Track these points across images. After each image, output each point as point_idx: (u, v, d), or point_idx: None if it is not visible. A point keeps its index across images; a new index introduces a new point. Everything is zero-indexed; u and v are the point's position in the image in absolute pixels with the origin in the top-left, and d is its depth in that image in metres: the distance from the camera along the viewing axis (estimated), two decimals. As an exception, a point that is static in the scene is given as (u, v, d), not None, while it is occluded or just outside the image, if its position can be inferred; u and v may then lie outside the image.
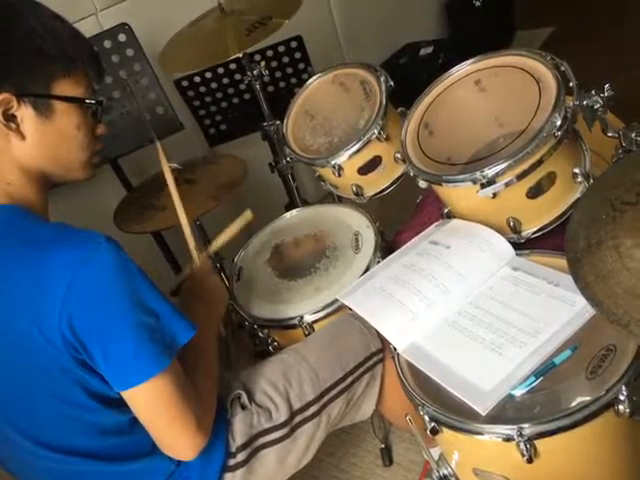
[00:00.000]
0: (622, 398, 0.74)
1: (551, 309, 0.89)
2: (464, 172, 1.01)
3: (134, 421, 0.81)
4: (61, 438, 0.81)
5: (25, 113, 0.77)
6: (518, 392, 0.79)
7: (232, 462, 0.91)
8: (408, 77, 2.20)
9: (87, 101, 0.81)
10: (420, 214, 1.41)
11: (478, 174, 0.97)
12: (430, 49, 2.81)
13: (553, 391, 0.78)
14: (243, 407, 0.95)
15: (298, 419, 0.96)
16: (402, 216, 1.50)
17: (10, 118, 0.76)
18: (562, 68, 1.02)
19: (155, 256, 1.81)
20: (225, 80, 1.90)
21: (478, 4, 3.09)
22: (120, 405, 0.79)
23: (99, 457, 0.83)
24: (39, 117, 0.77)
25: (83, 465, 0.83)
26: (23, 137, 0.78)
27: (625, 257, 0.75)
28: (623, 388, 0.74)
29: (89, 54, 0.82)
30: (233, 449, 0.91)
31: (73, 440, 0.81)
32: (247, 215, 1.14)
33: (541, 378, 0.80)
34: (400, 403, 1.00)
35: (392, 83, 1.25)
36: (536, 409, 0.77)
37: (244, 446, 0.92)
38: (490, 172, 0.96)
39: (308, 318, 1.12)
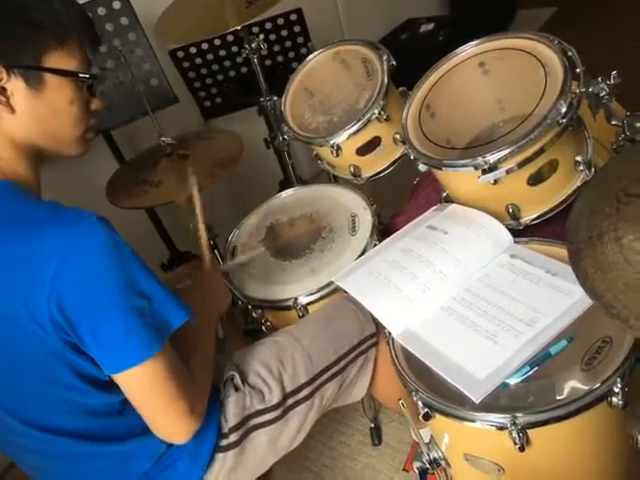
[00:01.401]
0: (616, 390, 0.74)
1: (548, 299, 0.88)
2: (465, 157, 0.99)
3: (125, 402, 0.80)
4: (50, 419, 0.81)
5: (15, 86, 0.74)
6: (512, 381, 0.80)
7: (224, 443, 0.91)
8: (408, 53, 2.15)
9: (81, 75, 0.78)
10: (417, 197, 1.40)
11: (480, 160, 0.95)
12: (431, 26, 2.76)
13: (548, 381, 0.78)
14: (236, 388, 0.95)
15: (291, 401, 0.96)
16: (397, 198, 1.48)
17: (0, 91, 0.73)
18: (569, 53, 1.00)
19: (148, 231, 1.79)
20: (222, 52, 1.86)
21: (481, -19, 3.03)
22: (111, 387, 0.78)
23: (89, 437, 0.82)
24: (30, 90, 0.75)
25: (73, 446, 0.82)
26: (13, 110, 0.75)
27: (627, 250, 0.74)
28: (618, 380, 0.74)
29: (84, 25, 0.79)
30: (225, 430, 0.91)
31: (62, 421, 0.81)
32: (259, 250, 1.23)
33: (536, 368, 0.80)
34: (392, 386, 1.00)
35: (394, 62, 1.22)
36: (530, 399, 0.77)
37: (236, 427, 0.92)
38: (492, 158, 0.95)
39: (302, 300, 1.11)
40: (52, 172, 1.48)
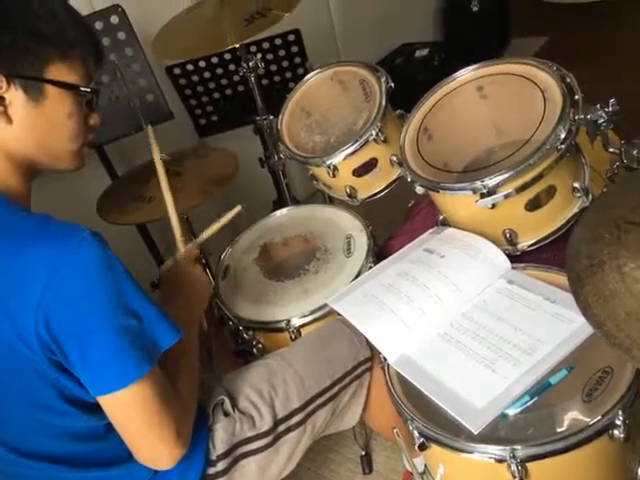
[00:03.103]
0: (618, 423, 0.72)
1: (547, 326, 0.87)
2: (462, 180, 0.98)
3: (110, 426, 0.77)
4: (33, 443, 0.77)
5: (14, 96, 0.72)
6: (511, 411, 0.77)
7: (212, 471, 0.88)
8: (403, 78, 2.18)
9: (82, 88, 0.76)
10: (413, 219, 1.39)
11: (478, 184, 0.95)
12: (426, 51, 2.80)
13: (548, 412, 0.76)
14: (226, 414, 0.91)
15: (282, 428, 0.93)
16: (393, 220, 1.47)
17: None
18: (568, 80, 1.00)
19: (138, 249, 1.77)
20: (219, 70, 1.86)
21: (475, 9, 3.09)
22: (96, 410, 0.75)
23: (71, 463, 0.78)
24: (29, 101, 0.73)
25: (53, 471, 0.78)
26: (10, 121, 0.73)
27: (628, 278, 0.73)
28: (619, 413, 0.72)
29: (89, 40, 0.78)
30: (213, 457, 0.88)
31: (46, 445, 0.77)
32: (237, 209, 1.12)
33: (536, 398, 0.78)
34: (386, 413, 0.98)
35: (392, 84, 1.22)
36: (529, 430, 0.75)
37: (225, 454, 0.88)
38: (491, 182, 0.94)
39: (295, 322, 1.09)
40: (42, 186, 1.45)
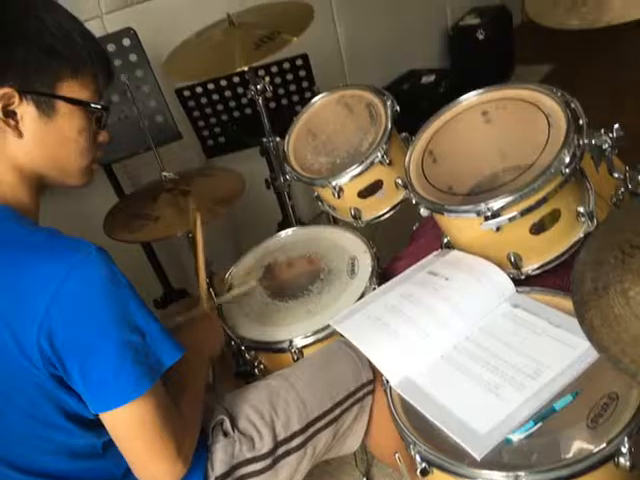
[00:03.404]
0: (624, 451, 0.71)
1: (552, 351, 0.86)
2: (467, 203, 0.98)
3: (108, 444, 0.76)
4: (29, 459, 0.76)
5: (26, 110, 0.73)
6: (515, 437, 0.76)
7: None
8: (409, 103, 2.21)
9: (92, 105, 0.78)
10: (417, 242, 1.39)
11: (483, 206, 0.95)
12: (432, 77, 2.84)
13: (552, 438, 0.75)
14: (225, 434, 0.90)
15: (282, 450, 0.91)
16: (397, 242, 1.47)
17: (10, 114, 0.73)
18: (572, 105, 1.01)
19: (143, 267, 1.77)
20: (227, 93, 1.89)
21: (481, 37, 3.14)
22: (96, 427, 0.74)
23: None
24: (40, 116, 0.74)
25: None
26: (21, 135, 0.74)
27: (633, 303, 0.72)
28: (625, 440, 0.71)
29: (101, 59, 0.79)
30: (212, 478, 0.86)
31: (42, 462, 0.76)
32: (252, 284, 1.22)
33: (540, 424, 0.77)
34: (388, 438, 0.96)
35: (398, 108, 1.23)
36: (534, 456, 0.74)
37: (223, 476, 0.87)
38: (495, 205, 0.94)
39: (298, 342, 1.08)
40: (50, 203, 1.47)
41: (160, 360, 0.74)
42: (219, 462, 0.87)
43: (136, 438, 0.73)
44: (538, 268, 1.04)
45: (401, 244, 1.42)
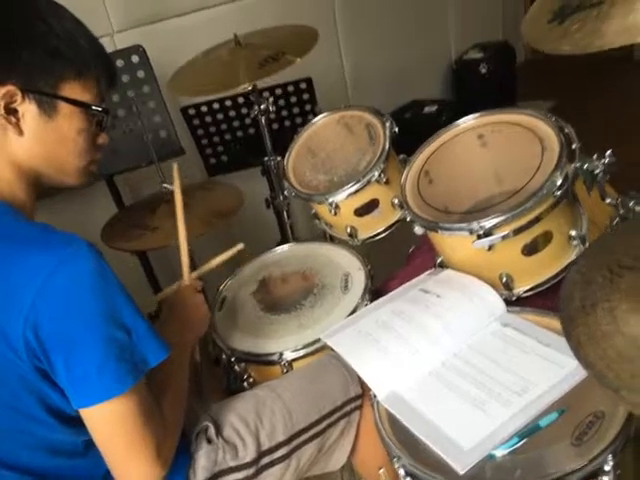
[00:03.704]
0: (607, 469, 0.70)
1: (540, 369, 0.86)
2: (460, 221, 1.00)
3: (89, 444, 0.75)
4: (10, 453, 0.76)
5: (28, 109, 0.75)
6: (499, 452, 0.76)
7: None
8: (411, 131, 2.25)
9: (93, 107, 0.80)
10: (412, 264, 1.40)
11: (475, 224, 0.96)
12: (434, 108, 2.89)
13: (536, 455, 0.74)
14: (209, 441, 0.89)
15: (265, 460, 0.91)
16: (393, 265, 1.48)
17: (11, 112, 0.74)
18: (566, 130, 1.03)
19: (138, 280, 1.78)
20: (232, 113, 1.93)
21: (484, 71, 3.21)
22: (77, 425, 0.74)
23: (44, 477, 0.76)
24: (41, 115, 0.76)
25: None
26: (21, 133, 0.76)
27: (620, 321, 0.73)
28: (609, 458, 0.70)
29: (104, 62, 0.82)
30: (193, 486, 0.86)
31: (22, 456, 0.76)
32: (239, 246, 1.16)
33: (524, 440, 0.76)
34: (374, 455, 0.96)
35: (397, 129, 1.26)
36: (517, 472, 0.73)
37: (205, 484, 0.86)
38: (487, 224, 0.95)
39: (288, 355, 1.08)
40: (50, 212, 1.49)
41: (145, 359, 0.74)
42: (201, 469, 0.86)
43: (116, 437, 0.73)
44: (529, 290, 1.04)
45: (397, 265, 1.43)
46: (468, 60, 3.23)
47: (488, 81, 3.16)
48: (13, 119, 0.75)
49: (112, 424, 0.72)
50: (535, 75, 3.38)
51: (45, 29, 0.75)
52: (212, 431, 0.89)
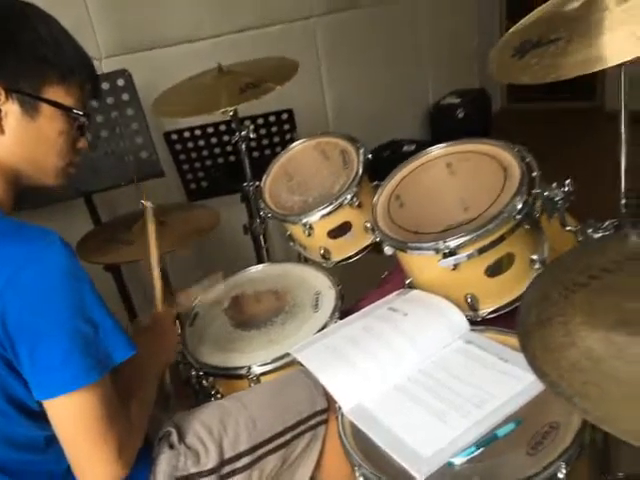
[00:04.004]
0: (560, 477, 0.72)
1: (499, 383, 0.88)
2: (427, 241, 1.04)
3: (51, 440, 0.75)
4: None
5: (11, 108, 0.78)
6: (458, 460, 0.77)
7: None
8: (389, 169, 2.32)
9: (74, 111, 0.82)
10: (383, 287, 1.43)
11: (441, 243, 1.00)
12: (413, 147, 2.98)
13: (493, 463, 0.76)
14: (171, 446, 0.89)
15: (228, 469, 0.90)
16: (364, 288, 1.51)
17: None
18: (527, 159, 1.09)
19: (111, 297, 1.77)
20: (213, 139, 1.97)
21: (461, 115, 3.34)
22: (39, 419, 0.74)
23: (3, 470, 0.75)
24: (24, 115, 0.78)
25: None
26: (2, 131, 0.78)
27: (574, 333, 0.76)
28: (562, 466, 0.72)
29: (88, 70, 0.85)
30: (152, 491, 0.85)
31: None
32: (218, 277, 1.15)
33: (482, 449, 0.78)
34: (339, 472, 0.96)
35: (370, 156, 1.31)
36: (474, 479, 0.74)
37: (164, 489, 0.85)
38: (452, 243, 0.99)
39: (256, 369, 1.09)
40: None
41: (110, 355, 0.75)
42: (162, 474, 0.86)
43: (78, 431, 0.73)
44: (493, 312, 1.08)
45: (368, 289, 1.45)
46: (445, 105, 3.37)
47: (464, 125, 3.29)
48: None
49: (74, 418, 0.72)
50: (509, 122, 3.52)
51: (34, 35, 0.79)
52: (175, 437, 0.89)
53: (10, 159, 0.80)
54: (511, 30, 1.10)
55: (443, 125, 3.36)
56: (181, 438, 0.91)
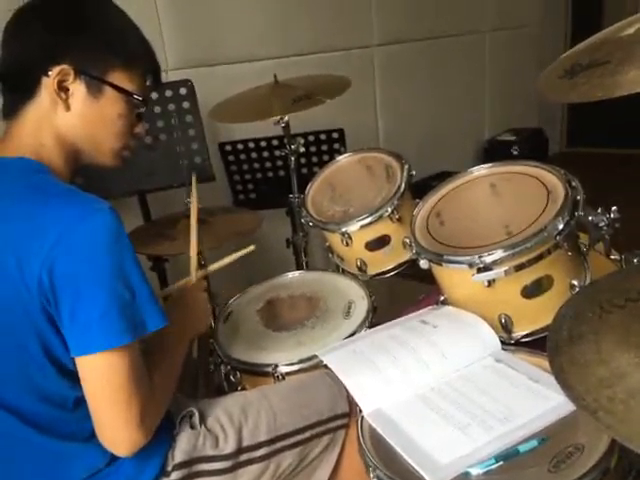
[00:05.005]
0: (582, 498, 0.69)
1: (525, 401, 0.86)
2: (462, 254, 1.03)
3: (79, 402, 0.79)
4: (2, 388, 0.79)
5: (77, 88, 0.84)
6: (475, 471, 0.75)
7: None
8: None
9: (135, 96, 0.88)
10: (417, 306, 1.42)
11: (476, 258, 0.99)
12: (462, 180, 2.96)
13: (511, 477, 0.74)
14: (192, 426, 0.91)
15: (244, 457, 0.91)
16: (398, 311, 1.49)
17: (63, 89, 0.83)
18: (573, 183, 1.07)
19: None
20: (265, 153, 2.04)
21: (515, 153, 3.31)
22: (72, 378, 0.78)
23: (32, 423, 0.79)
24: (88, 95, 0.85)
25: (13, 427, 0.79)
26: (68, 108, 0.84)
27: (604, 351, 0.74)
28: (585, 487, 0.69)
29: (151, 60, 0.91)
30: (169, 467, 0.86)
31: (13, 396, 0.79)
32: (250, 248, 1.17)
33: (501, 462, 0.76)
34: (357, 476, 0.94)
35: (414, 172, 1.32)
36: (490, 492, 0.72)
37: (181, 465, 0.87)
38: (488, 258, 0.98)
39: (282, 368, 1.10)
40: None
41: (144, 322, 0.78)
42: (180, 451, 0.88)
43: (104, 391, 0.76)
44: (528, 335, 1.05)
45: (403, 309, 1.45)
46: (501, 141, 3.35)
47: (518, 162, 3.25)
48: (63, 95, 0.84)
49: (102, 377, 0.75)
50: (565, 164, 3.46)
51: (105, 22, 0.86)
52: (196, 418, 0.91)
53: (72, 135, 0.86)
54: (564, 55, 1.11)
55: (496, 161, 3.33)
56: (202, 421, 0.92)
